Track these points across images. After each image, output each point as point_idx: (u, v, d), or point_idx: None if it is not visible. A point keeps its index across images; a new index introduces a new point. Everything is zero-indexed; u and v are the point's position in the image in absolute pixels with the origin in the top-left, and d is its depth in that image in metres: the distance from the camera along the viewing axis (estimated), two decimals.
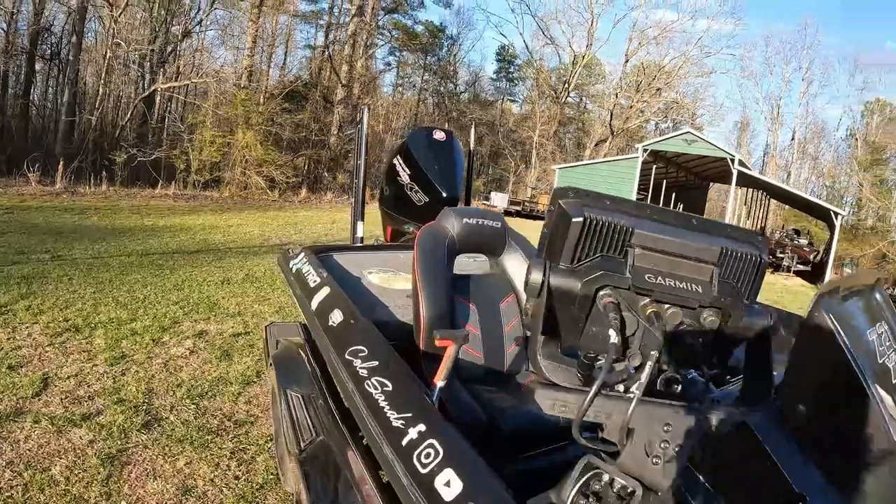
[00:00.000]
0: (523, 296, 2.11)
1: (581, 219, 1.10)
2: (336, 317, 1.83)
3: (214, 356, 4.02)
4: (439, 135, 4.12)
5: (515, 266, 2.22)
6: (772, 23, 64.10)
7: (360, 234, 3.91)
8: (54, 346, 3.89)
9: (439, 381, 1.42)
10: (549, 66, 37.93)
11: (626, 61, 34.79)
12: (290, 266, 2.62)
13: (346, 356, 1.55)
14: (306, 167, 25.61)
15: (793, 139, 39.60)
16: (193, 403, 3.28)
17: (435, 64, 38.04)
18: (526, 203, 27.03)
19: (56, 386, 3.30)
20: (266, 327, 2.97)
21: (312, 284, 2.22)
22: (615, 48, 78.87)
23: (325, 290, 2.09)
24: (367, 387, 1.39)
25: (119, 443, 2.77)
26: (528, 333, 2.09)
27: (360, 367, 1.47)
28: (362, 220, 3.95)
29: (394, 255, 3.16)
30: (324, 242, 9.85)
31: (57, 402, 3.12)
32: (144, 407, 3.16)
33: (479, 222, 2.16)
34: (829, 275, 17.05)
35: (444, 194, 4.03)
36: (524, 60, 39.97)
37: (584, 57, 34.28)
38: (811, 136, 39.99)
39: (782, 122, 39.75)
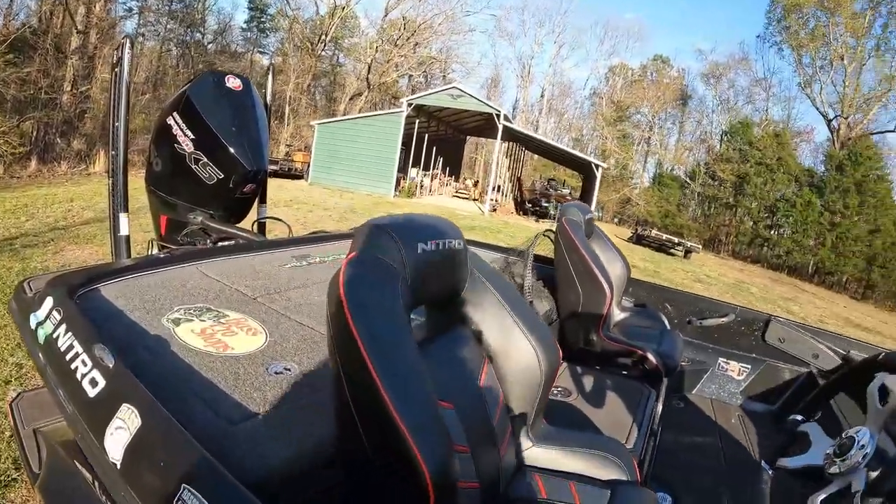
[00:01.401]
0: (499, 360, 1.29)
1: None
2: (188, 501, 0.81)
3: None
4: (234, 82, 2.95)
5: (487, 314, 1.27)
6: None
7: (124, 231, 2.68)
8: None
9: None
10: (305, 17, 35.98)
11: (386, 15, 34.37)
12: (34, 325, 1.38)
13: None
14: (35, 133, 20.45)
15: (542, 96, 43.66)
16: None
17: (181, 11, 33.52)
18: (282, 162, 25.16)
19: None
20: (11, 405, 1.64)
21: (92, 392, 1.08)
22: (374, 1, 77.81)
23: (130, 417, 0.98)
24: None
25: None
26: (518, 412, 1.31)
27: None
28: (126, 210, 2.68)
29: (190, 270, 2.02)
30: (67, 239, 7.53)
31: None
32: None
33: (443, 245, 1.11)
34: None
35: (247, 167, 2.93)
36: (277, 10, 37.38)
37: (343, 8, 32.95)
38: (558, 94, 44.38)
39: (532, 81, 43.36)
